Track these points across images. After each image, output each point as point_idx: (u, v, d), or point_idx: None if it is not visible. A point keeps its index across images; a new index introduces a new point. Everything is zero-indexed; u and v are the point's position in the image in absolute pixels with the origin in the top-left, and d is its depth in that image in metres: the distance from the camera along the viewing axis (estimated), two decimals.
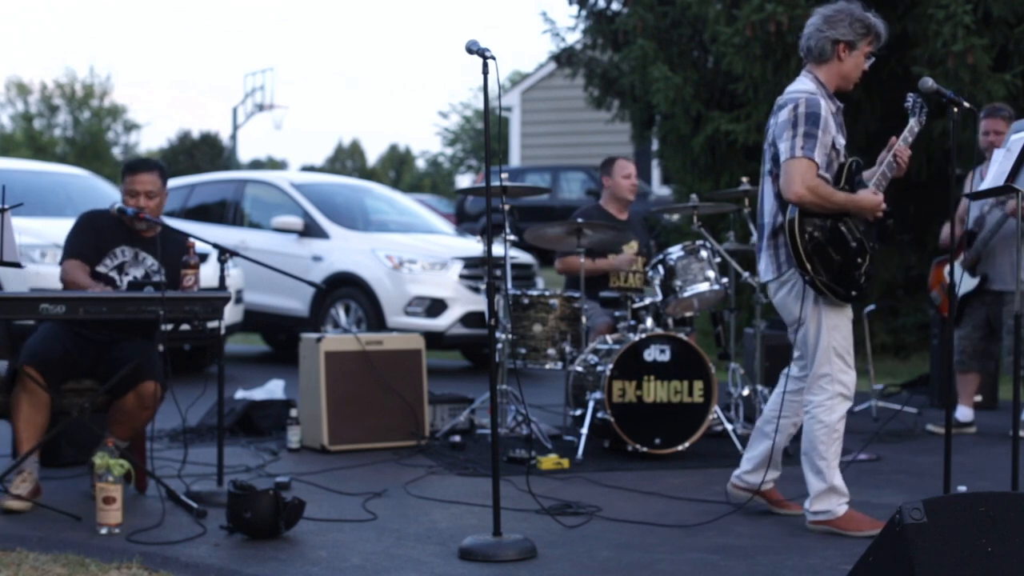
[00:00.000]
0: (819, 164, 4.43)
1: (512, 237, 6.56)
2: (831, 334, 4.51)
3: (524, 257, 10.29)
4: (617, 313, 6.48)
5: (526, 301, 6.59)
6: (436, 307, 9.64)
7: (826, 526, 4.53)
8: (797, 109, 4.47)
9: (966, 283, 6.87)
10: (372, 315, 9.68)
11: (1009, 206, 6.47)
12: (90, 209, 5.41)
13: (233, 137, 33.15)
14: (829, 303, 4.51)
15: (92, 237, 5.16)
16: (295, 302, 10.19)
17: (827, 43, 4.57)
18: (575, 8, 12.18)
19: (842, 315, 4.55)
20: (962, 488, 4.53)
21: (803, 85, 4.61)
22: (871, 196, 4.54)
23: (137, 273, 5.14)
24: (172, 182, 12.44)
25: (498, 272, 6.80)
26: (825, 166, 4.48)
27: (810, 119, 4.44)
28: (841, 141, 4.58)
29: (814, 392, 4.58)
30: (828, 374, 4.53)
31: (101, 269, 5.12)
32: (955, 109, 4.53)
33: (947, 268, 5.00)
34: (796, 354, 4.71)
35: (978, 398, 7.26)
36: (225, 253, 5.10)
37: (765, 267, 4.66)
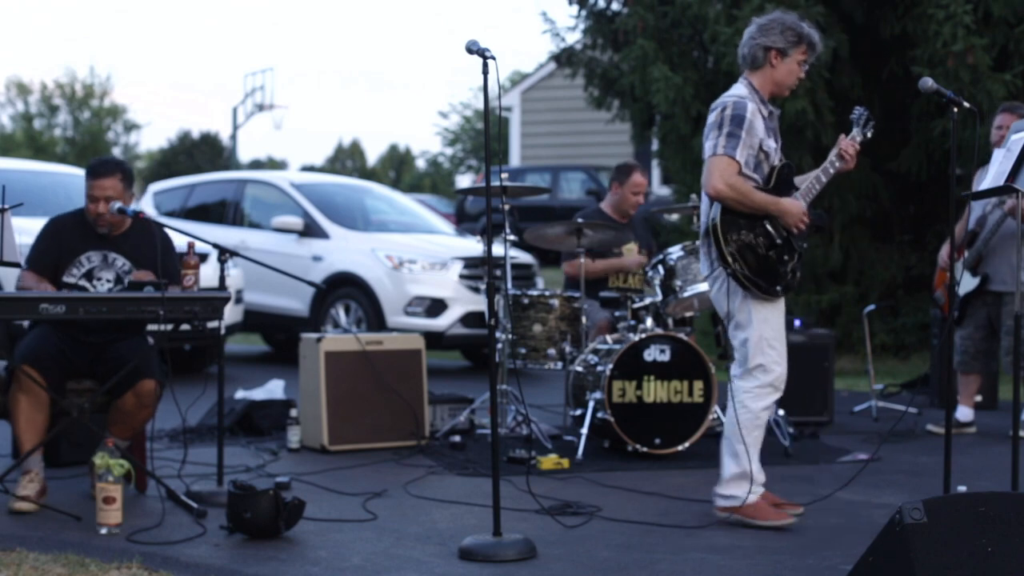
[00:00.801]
0: (741, 163, 4.58)
1: (512, 237, 6.56)
2: (761, 326, 4.65)
3: (524, 257, 10.29)
4: (617, 313, 6.48)
5: (526, 301, 6.59)
6: (436, 307, 9.64)
7: (731, 513, 4.61)
8: (724, 112, 4.64)
9: (968, 283, 6.87)
10: (372, 315, 9.69)
11: (1008, 205, 6.47)
12: (57, 215, 5.23)
13: (233, 137, 33.16)
14: (757, 297, 4.64)
15: (54, 247, 5.03)
16: (295, 302, 10.19)
17: (759, 50, 4.73)
18: (575, 8, 12.17)
19: (772, 308, 4.68)
20: (962, 488, 4.53)
21: (736, 90, 4.75)
22: (795, 203, 4.68)
23: (108, 276, 5.05)
24: (172, 182, 12.52)
25: (498, 272, 6.80)
26: (753, 167, 4.65)
27: (734, 120, 4.60)
28: (771, 144, 4.71)
29: (746, 380, 4.69)
30: (762, 364, 4.66)
31: (69, 279, 5.01)
32: (955, 109, 4.53)
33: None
34: (736, 353, 4.81)
35: (978, 398, 7.26)
36: (225, 253, 5.08)
37: (701, 264, 4.84)
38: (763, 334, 4.64)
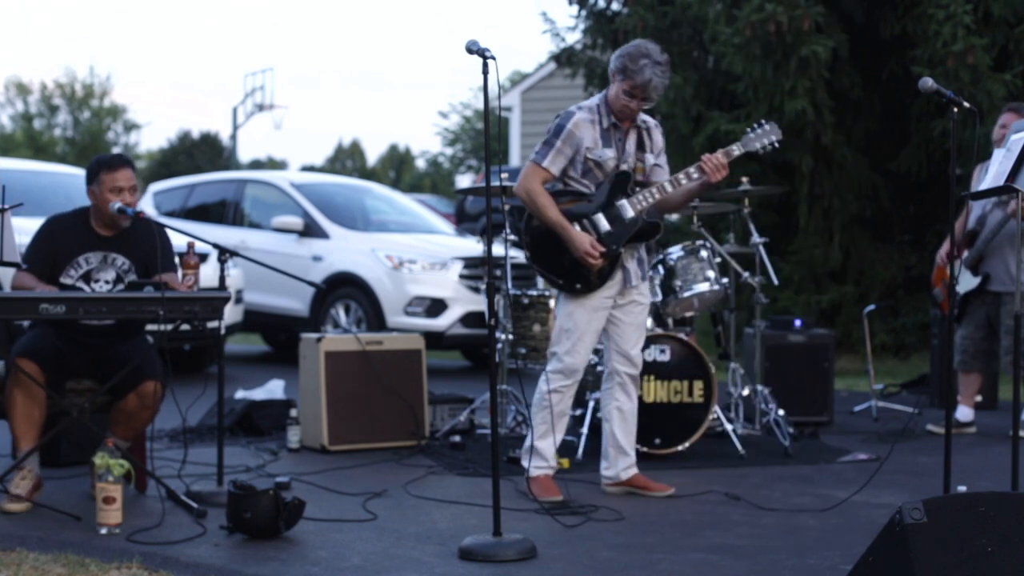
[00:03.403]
0: (551, 171, 4.94)
1: (512, 237, 6.56)
2: (563, 318, 5.02)
3: (524, 257, 10.28)
4: None
5: (526, 301, 6.59)
6: (436, 307, 9.64)
7: (527, 486, 4.92)
8: (555, 120, 5.00)
9: (968, 282, 6.87)
10: (372, 315, 9.69)
11: (1010, 207, 6.47)
12: (55, 214, 5.18)
13: (233, 137, 33.16)
14: (574, 294, 4.99)
15: (51, 248, 5.00)
16: (295, 302, 10.19)
17: (610, 70, 4.99)
18: (575, 8, 12.18)
19: (576, 303, 5.00)
20: (962, 488, 4.53)
21: (589, 100, 5.08)
22: (579, 234, 4.90)
23: (108, 276, 5.03)
24: (172, 182, 12.52)
25: (498, 272, 6.80)
26: (581, 173, 4.97)
27: (555, 130, 4.95)
28: (606, 154, 4.96)
29: (548, 363, 5.08)
30: (555, 352, 5.03)
31: (66, 280, 4.97)
32: (955, 109, 4.53)
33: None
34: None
35: (978, 398, 7.25)
36: (225, 253, 5.08)
37: None
38: (563, 325, 5.00)
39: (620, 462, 5.16)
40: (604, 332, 5.13)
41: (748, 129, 5.11)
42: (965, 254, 6.83)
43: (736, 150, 5.01)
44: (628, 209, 4.97)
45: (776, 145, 5.08)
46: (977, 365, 7.00)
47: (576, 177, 4.98)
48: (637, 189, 5.01)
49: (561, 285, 5.01)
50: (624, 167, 5.00)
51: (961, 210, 7.00)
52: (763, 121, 5.14)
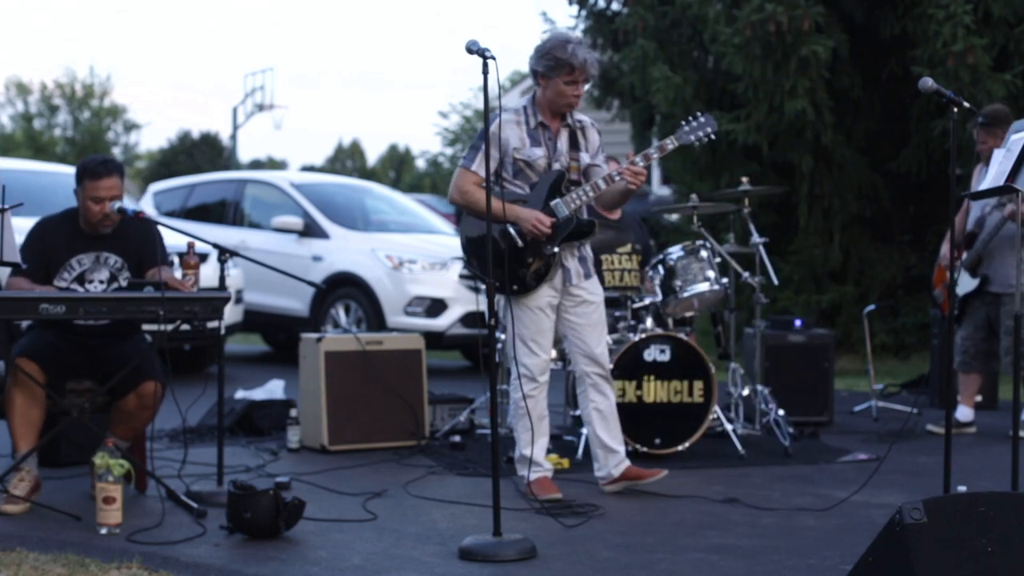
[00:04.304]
0: (480, 173, 4.90)
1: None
2: (515, 323, 5.04)
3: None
4: (617, 313, 6.48)
5: None
6: (436, 307, 9.65)
7: (527, 489, 4.92)
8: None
9: (967, 283, 6.87)
10: (372, 315, 9.69)
11: (1008, 210, 6.46)
12: (45, 216, 5.15)
13: (233, 137, 33.16)
14: (512, 295, 5.01)
15: (43, 251, 4.97)
16: (295, 302, 10.19)
17: (532, 72, 5.06)
18: (575, 8, 12.19)
19: (519, 306, 5.04)
20: (962, 488, 4.53)
21: (517, 102, 5.12)
22: (526, 211, 4.94)
23: (101, 277, 5.02)
24: (172, 182, 12.53)
25: None
26: (513, 175, 5.01)
27: (480, 134, 4.89)
28: (531, 153, 5.00)
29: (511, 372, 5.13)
30: (516, 358, 5.02)
31: (60, 284, 4.95)
32: (955, 109, 4.53)
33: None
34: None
35: (978, 398, 7.25)
36: (225, 253, 5.08)
37: None
38: (516, 329, 5.04)
39: (610, 460, 5.16)
40: (565, 337, 5.17)
41: (683, 122, 5.14)
42: (964, 255, 6.83)
43: (670, 144, 5.03)
44: (563, 208, 4.99)
45: (712, 136, 5.11)
46: (977, 365, 6.99)
47: (508, 179, 5.01)
48: (571, 188, 5.04)
49: (498, 288, 4.99)
50: (557, 166, 5.03)
51: (959, 208, 6.98)
52: (699, 113, 5.15)
